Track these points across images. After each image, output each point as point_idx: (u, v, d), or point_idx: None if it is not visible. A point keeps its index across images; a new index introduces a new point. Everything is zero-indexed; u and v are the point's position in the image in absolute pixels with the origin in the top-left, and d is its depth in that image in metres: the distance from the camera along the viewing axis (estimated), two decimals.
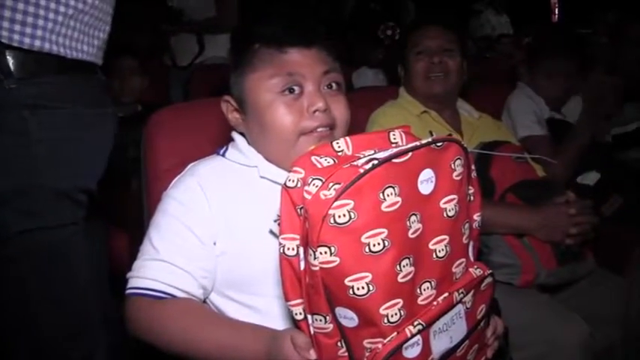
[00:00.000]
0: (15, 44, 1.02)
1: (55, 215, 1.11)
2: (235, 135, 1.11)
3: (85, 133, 1.14)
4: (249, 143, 1.08)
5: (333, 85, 1.05)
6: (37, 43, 1.05)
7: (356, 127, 1.11)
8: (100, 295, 1.21)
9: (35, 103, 1.05)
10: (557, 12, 6.29)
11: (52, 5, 1.06)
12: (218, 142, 1.17)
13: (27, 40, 1.03)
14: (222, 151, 1.12)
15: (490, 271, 0.92)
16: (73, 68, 1.12)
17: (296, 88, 1.02)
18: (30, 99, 1.05)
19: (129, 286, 1.01)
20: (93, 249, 1.19)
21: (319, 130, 1.01)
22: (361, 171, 0.74)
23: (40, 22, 1.04)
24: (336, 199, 0.73)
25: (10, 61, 1.03)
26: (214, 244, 1.01)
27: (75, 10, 1.09)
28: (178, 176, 1.09)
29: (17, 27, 1.02)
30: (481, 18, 4.92)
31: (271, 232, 0.93)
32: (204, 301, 1.04)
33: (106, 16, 1.20)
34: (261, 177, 1.04)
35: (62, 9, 1.07)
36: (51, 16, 1.05)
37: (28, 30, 1.03)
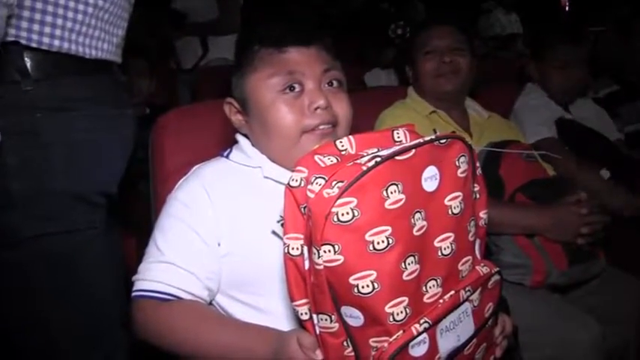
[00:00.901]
0: (34, 45, 1.00)
1: (70, 219, 1.09)
2: (239, 137, 1.11)
3: (103, 135, 1.12)
4: (252, 144, 1.09)
5: (334, 82, 1.05)
6: (57, 42, 1.02)
7: (364, 127, 1.11)
8: (118, 298, 1.20)
9: (51, 105, 1.03)
10: (567, 10, 6.26)
11: (72, 4, 1.03)
12: (224, 143, 1.17)
13: (46, 40, 1.01)
14: (226, 153, 1.12)
15: (497, 268, 0.91)
16: (92, 68, 1.10)
17: (296, 86, 1.02)
18: (46, 101, 1.03)
19: (134, 288, 1.01)
20: (112, 252, 1.19)
21: (321, 127, 1.01)
22: (364, 168, 0.74)
23: (59, 22, 1.02)
24: (339, 196, 0.72)
25: (28, 62, 1.01)
26: (219, 245, 1.00)
27: (95, 8, 1.07)
28: (183, 178, 1.09)
29: (36, 27, 0.99)
30: (490, 17, 4.89)
31: (274, 232, 0.92)
32: (211, 303, 1.04)
33: (124, 12, 1.17)
34: (265, 177, 1.04)
35: (82, 7, 1.04)
36: (70, 15, 1.03)
37: (47, 30, 1.01)
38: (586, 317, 1.42)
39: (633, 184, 1.98)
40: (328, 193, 0.73)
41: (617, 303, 1.56)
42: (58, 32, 1.02)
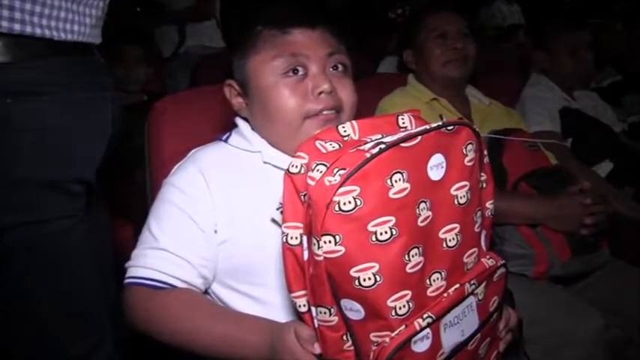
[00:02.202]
0: None
1: (45, 208, 1.04)
2: (239, 120, 1.08)
3: (76, 120, 1.06)
4: (252, 128, 1.06)
5: (339, 66, 1.02)
6: (17, 27, 0.96)
7: (364, 115, 1.08)
8: (105, 287, 1.17)
9: (19, 89, 0.98)
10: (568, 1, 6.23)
11: None
12: (223, 128, 1.15)
13: (5, 24, 0.95)
14: (224, 137, 1.09)
15: (503, 261, 0.88)
16: (63, 50, 1.04)
17: (300, 69, 0.99)
18: (13, 85, 0.97)
19: (127, 275, 0.99)
20: (95, 240, 1.15)
21: (325, 112, 0.98)
22: (367, 155, 0.71)
23: (17, 4, 0.95)
24: (341, 185, 0.70)
25: None
26: (215, 232, 0.98)
27: None
28: (179, 163, 1.06)
29: None
30: (492, 8, 4.86)
31: (273, 220, 0.90)
32: (206, 292, 1.02)
33: None
34: (265, 163, 1.01)
35: None
36: None
37: (5, 13, 0.94)
38: (589, 309, 1.41)
39: (635, 175, 1.97)
40: (330, 181, 0.71)
41: (620, 295, 1.55)
42: (17, 15, 0.96)
